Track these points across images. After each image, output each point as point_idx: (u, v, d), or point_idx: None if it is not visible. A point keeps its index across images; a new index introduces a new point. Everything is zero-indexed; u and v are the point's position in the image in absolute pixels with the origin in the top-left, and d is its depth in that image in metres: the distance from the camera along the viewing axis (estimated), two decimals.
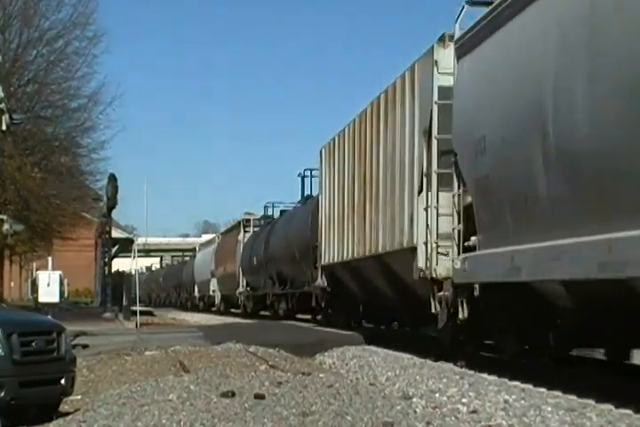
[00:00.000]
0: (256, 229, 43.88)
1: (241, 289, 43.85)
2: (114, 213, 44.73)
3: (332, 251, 24.18)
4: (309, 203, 31.44)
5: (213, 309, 54.60)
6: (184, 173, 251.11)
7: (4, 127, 29.48)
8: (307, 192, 35.99)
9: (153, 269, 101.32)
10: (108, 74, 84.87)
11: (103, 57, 54.86)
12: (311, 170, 35.25)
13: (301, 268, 29.53)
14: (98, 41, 40.68)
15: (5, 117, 29.23)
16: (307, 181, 36.43)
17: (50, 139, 41.27)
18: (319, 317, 29.18)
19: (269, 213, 44.38)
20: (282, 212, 39.79)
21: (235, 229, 50.80)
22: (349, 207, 22.34)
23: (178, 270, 74.31)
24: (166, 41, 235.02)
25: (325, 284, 25.22)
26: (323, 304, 26.28)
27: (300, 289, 30.29)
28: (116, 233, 50.19)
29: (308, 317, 32.37)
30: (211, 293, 54.05)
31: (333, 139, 24.58)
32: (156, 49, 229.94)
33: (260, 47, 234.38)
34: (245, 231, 45.49)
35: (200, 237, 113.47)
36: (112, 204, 41.32)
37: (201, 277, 58.79)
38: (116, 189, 40.44)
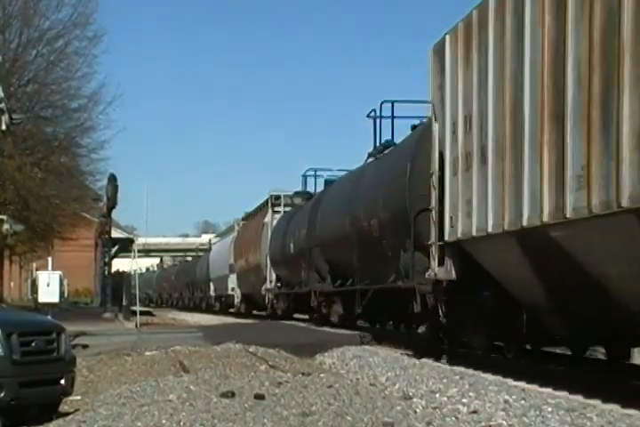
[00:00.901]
0: (288, 208, 35.05)
1: (269, 286, 35.45)
2: (114, 213, 44.81)
3: (474, 215, 13.46)
4: (404, 144, 19.61)
5: (232, 310, 46.49)
6: (184, 173, 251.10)
7: (3, 127, 29.47)
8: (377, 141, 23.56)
9: (165, 266, 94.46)
10: (108, 74, 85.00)
11: (103, 57, 55.01)
12: (393, 102, 22.96)
13: (382, 251, 19.34)
14: (98, 41, 40.70)
15: (5, 117, 29.21)
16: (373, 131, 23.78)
17: (50, 139, 41.27)
18: (421, 329, 17.20)
19: (309, 187, 34.32)
20: (327, 182, 30.57)
21: (260, 210, 40.52)
22: (538, 120, 11.29)
23: (191, 266, 65.86)
24: (166, 40, 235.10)
25: (453, 275, 14.51)
26: (441, 310, 15.25)
27: (377, 284, 20.13)
28: (115, 233, 50.21)
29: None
30: (229, 291, 45.34)
31: (475, 11, 13.59)
32: (156, 48, 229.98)
33: (260, 45, 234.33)
34: (274, 212, 36.14)
35: (200, 237, 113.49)
36: (112, 204, 41.36)
37: (217, 273, 50.57)
38: (115, 189, 40.47)
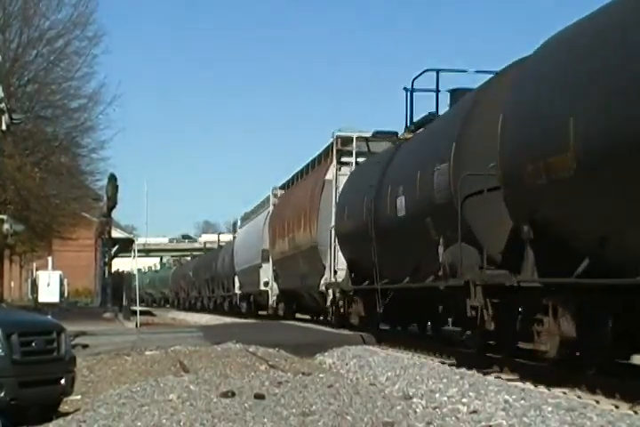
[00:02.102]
0: (361, 160, 24.04)
1: (332, 278, 24.11)
2: (114, 213, 44.89)
3: None
4: None
5: (264, 313, 37.11)
6: (184, 173, 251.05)
7: (3, 127, 29.45)
8: None
9: (182, 261, 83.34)
10: (108, 74, 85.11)
11: (103, 57, 55.01)
12: None
13: None
14: (98, 41, 40.70)
15: (5, 117, 29.20)
16: None
17: (50, 139, 41.27)
18: None
19: (420, 108, 20.20)
20: (456, 93, 17.78)
21: (316, 164, 28.79)
22: None
23: (211, 259, 55.11)
24: (166, 40, 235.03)
25: None
26: None
27: None
28: (115, 233, 50.27)
29: None
30: (261, 286, 34.61)
31: None
32: (156, 48, 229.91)
33: (260, 44, 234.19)
34: (341, 164, 24.78)
35: (200, 236, 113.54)
36: (112, 204, 41.47)
37: (245, 264, 39.86)
38: (115, 188, 40.59)
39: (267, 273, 34.24)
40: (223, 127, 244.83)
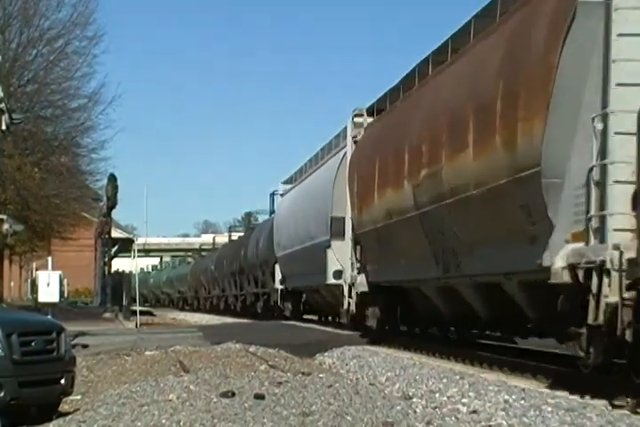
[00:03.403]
0: None
1: (606, 252, 9.69)
2: (114, 213, 44.98)
3: None
4: None
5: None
6: (184, 173, 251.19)
7: (3, 127, 29.50)
8: None
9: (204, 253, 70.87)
10: (108, 73, 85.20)
11: (103, 57, 55.13)
12: None
13: None
14: (98, 41, 40.82)
15: (5, 117, 29.24)
16: None
17: (50, 139, 41.35)
18: None
19: None
20: None
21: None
22: None
23: (240, 245, 43.05)
24: (166, 39, 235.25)
25: None
26: None
27: None
28: (115, 233, 50.35)
29: None
30: (329, 279, 23.18)
31: None
32: (156, 48, 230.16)
33: (260, 43, 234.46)
34: None
35: (200, 237, 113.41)
36: (112, 204, 41.58)
37: (294, 245, 27.81)
38: (115, 189, 40.71)
39: (341, 256, 22.09)
40: (224, 127, 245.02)
